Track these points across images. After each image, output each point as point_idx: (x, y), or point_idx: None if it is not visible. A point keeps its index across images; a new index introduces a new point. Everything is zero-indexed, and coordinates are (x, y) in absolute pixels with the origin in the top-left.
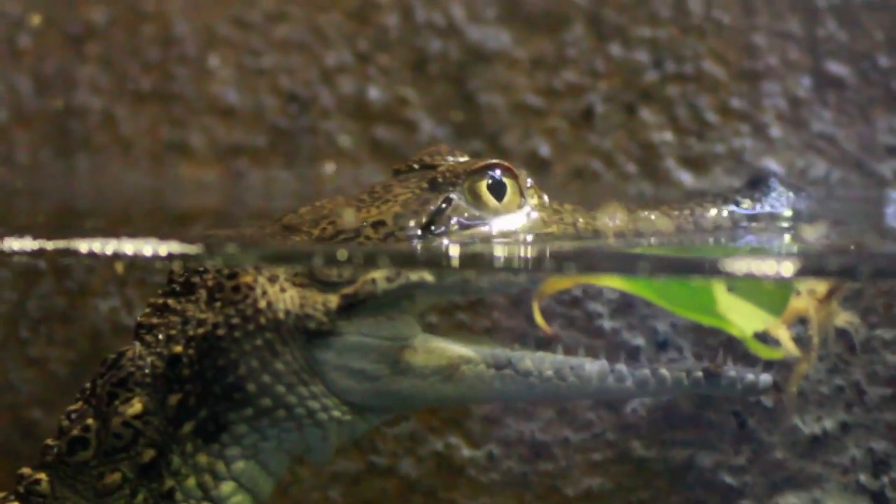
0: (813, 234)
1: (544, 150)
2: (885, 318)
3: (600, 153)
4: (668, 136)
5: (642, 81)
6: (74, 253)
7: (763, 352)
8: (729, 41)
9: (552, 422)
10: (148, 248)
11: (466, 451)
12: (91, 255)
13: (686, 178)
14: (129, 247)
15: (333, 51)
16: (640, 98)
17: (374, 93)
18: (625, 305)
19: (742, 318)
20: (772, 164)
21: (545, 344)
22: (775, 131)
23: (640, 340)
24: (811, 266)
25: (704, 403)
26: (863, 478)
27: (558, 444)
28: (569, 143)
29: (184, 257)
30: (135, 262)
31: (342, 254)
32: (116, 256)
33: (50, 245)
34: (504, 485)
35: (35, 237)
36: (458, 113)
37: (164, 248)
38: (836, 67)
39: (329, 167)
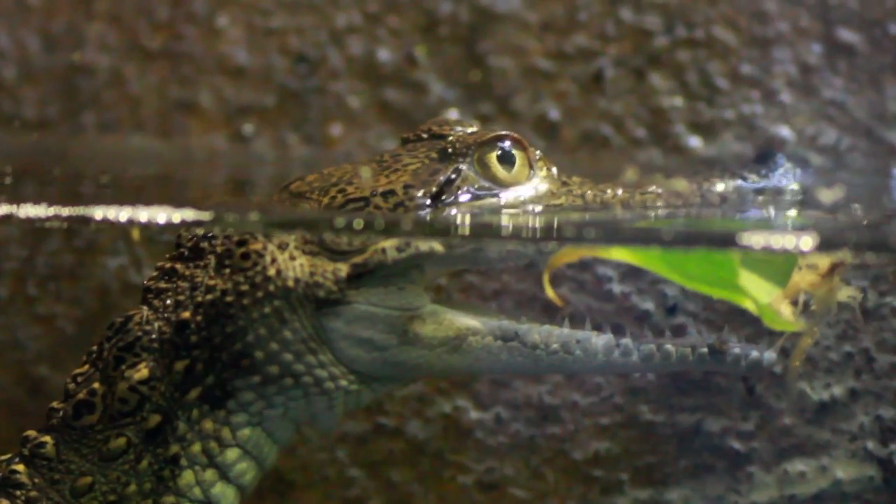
0: (828, 201)
1: (554, 113)
2: (894, 285)
3: (610, 118)
4: (678, 101)
5: (653, 46)
6: (89, 220)
7: (778, 324)
8: (740, 7)
9: (560, 385)
10: (162, 215)
11: (474, 414)
12: (105, 221)
13: (695, 143)
14: (143, 214)
15: (343, 11)
16: (651, 63)
17: (383, 54)
18: (634, 270)
19: (751, 290)
20: (782, 130)
21: (552, 312)
22: (785, 98)
23: (649, 305)
24: (826, 240)
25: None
26: (871, 445)
27: (566, 408)
28: (578, 107)
29: (197, 224)
30: (148, 228)
31: (358, 223)
32: (131, 223)
33: (65, 211)
34: (511, 448)
35: (50, 203)
36: (468, 75)
37: (178, 215)
38: (847, 34)
39: (337, 129)
